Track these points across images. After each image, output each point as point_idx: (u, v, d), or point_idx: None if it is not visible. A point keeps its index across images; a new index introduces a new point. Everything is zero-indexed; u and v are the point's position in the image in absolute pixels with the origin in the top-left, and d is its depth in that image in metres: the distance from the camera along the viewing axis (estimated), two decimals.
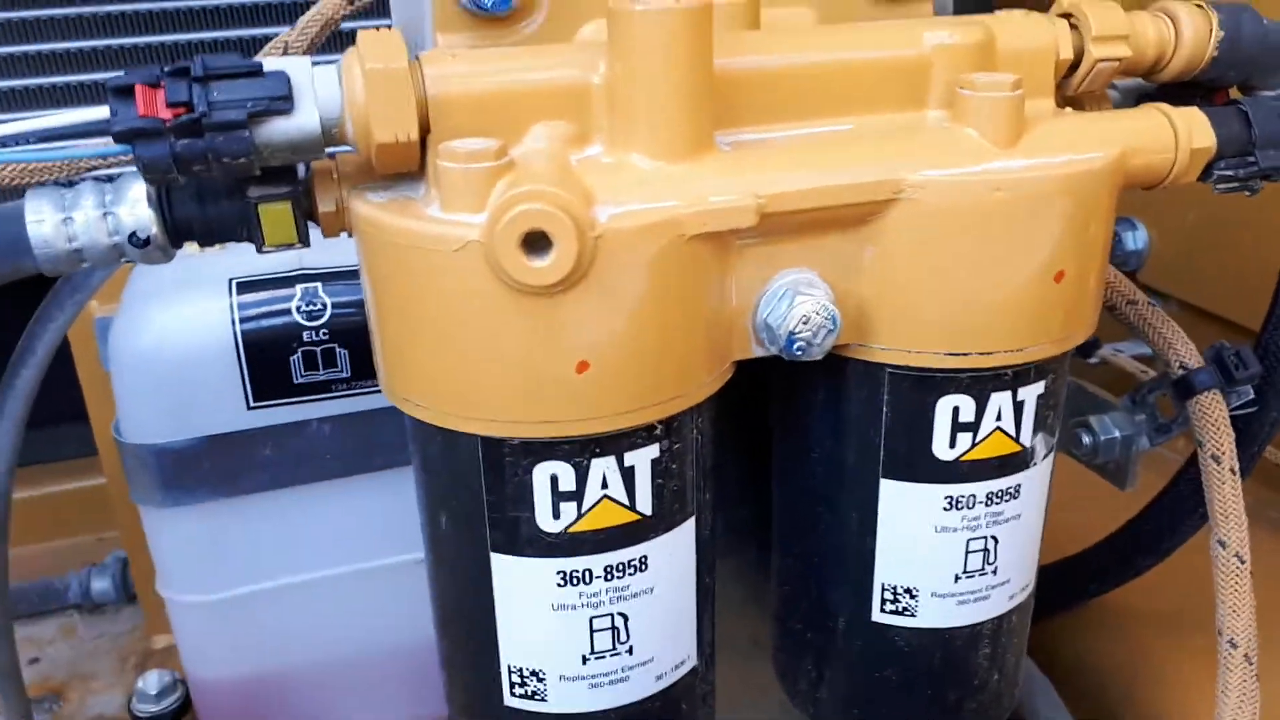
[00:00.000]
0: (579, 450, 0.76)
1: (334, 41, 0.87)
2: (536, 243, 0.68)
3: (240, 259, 1.09)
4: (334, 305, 1.08)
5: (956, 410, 0.83)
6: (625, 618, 0.82)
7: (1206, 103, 0.89)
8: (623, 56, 0.73)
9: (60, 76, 1.40)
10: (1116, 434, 1.09)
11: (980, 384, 0.83)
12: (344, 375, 1.09)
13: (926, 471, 0.86)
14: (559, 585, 0.80)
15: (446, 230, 0.70)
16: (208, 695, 1.27)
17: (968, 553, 0.88)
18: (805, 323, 0.76)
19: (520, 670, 0.84)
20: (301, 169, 0.76)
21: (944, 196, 0.77)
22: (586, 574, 0.80)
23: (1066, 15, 0.85)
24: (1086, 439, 1.09)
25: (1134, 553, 1.24)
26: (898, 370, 0.83)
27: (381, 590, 1.20)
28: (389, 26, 0.77)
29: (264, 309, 1.07)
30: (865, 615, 0.92)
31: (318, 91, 0.70)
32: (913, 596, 0.90)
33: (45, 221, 0.73)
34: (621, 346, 0.73)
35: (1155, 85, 0.93)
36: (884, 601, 0.91)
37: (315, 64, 0.72)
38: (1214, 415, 1.01)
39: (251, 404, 1.09)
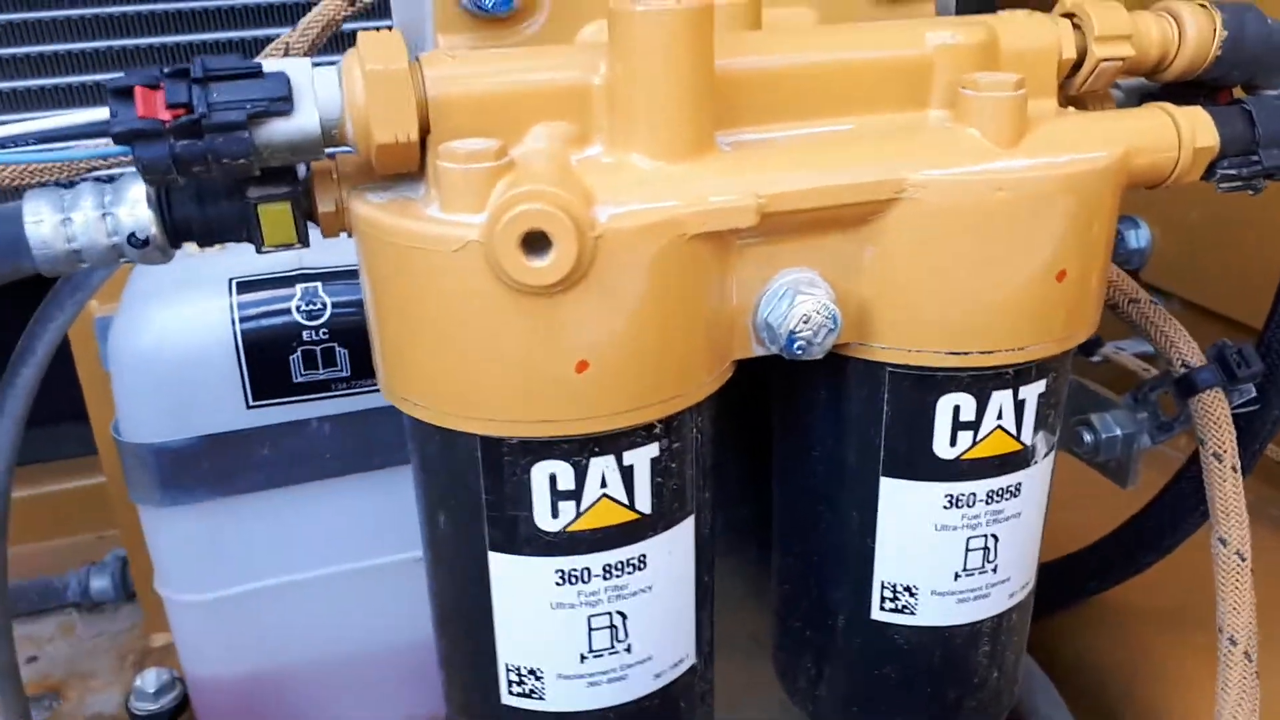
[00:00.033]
0: (578, 449, 0.76)
1: (335, 43, 0.87)
2: (536, 243, 0.68)
3: (240, 259, 1.08)
4: (334, 305, 1.08)
5: (957, 409, 0.83)
6: (624, 616, 0.82)
7: (1210, 102, 0.89)
8: (623, 57, 0.72)
9: (61, 78, 1.40)
10: (1118, 432, 1.09)
11: (981, 383, 0.83)
12: (344, 375, 1.09)
13: (927, 470, 0.86)
14: (557, 584, 0.80)
15: (446, 230, 0.70)
16: (206, 693, 1.27)
17: (968, 551, 0.88)
18: (806, 322, 0.76)
19: (518, 669, 0.84)
20: (301, 169, 0.76)
21: (946, 196, 0.77)
22: (585, 573, 0.80)
23: (1069, 15, 0.85)
24: (1088, 437, 1.09)
25: (1135, 550, 1.24)
26: (898, 369, 0.83)
27: (380, 589, 1.20)
28: (390, 28, 0.77)
29: (264, 308, 1.07)
30: (865, 613, 0.92)
31: (318, 92, 0.70)
32: (912, 595, 0.90)
33: (44, 222, 0.73)
34: (621, 346, 0.73)
35: (1158, 85, 0.92)
36: (884, 599, 0.91)
37: (315, 65, 0.72)
38: (1216, 413, 1.01)
39: (251, 403, 1.09)
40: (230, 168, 0.69)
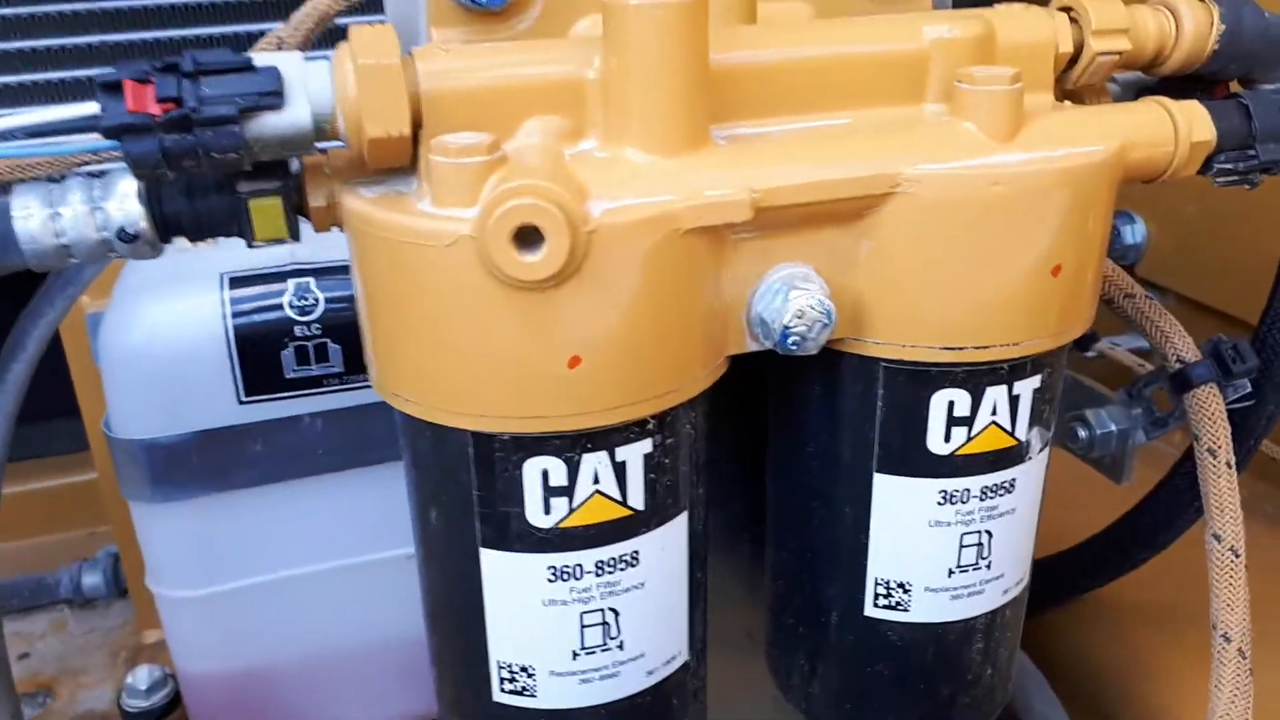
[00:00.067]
0: (570, 445, 0.76)
1: (329, 37, 0.87)
2: (528, 237, 0.67)
3: (232, 254, 1.08)
4: (326, 300, 1.07)
5: (951, 404, 0.83)
6: (616, 613, 0.82)
7: (1207, 96, 0.89)
8: (617, 51, 0.72)
9: (52, 73, 1.40)
10: (1113, 428, 1.09)
11: (975, 378, 0.83)
12: (336, 370, 1.09)
13: (921, 466, 0.85)
14: (549, 580, 0.80)
15: (438, 225, 0.69)
16: (198, 690, 1.26)
17: (961, 547, 0.88)
18: (800, 317, 0.76)
19: (510, 666, 0.84)
20: (294, 163, 0.76)
21: (941, 190, 0.76)
22: (577, 569, 0.80)
23: (1066, 9, 0.85)
24: (1082, 433, 1.09)
25: (1129, 546, 1.23)
26: (893, 364, 0.82)
27: (372, 586, 1.20)
28: (383, 22, 0.77)
29: (256, 304, 1.06)
30: (858, 610, 0.92)
31: (309, 86, 0.70)
32: (906, 591, 0.90)
33: (33, 217, 0.73)
34: (614, 341, 0.73)
35: (1155, 79, 0.92)
36: (877, 596, 0.91)
37: (307, 59, 0.71)
38: (1210, 409, 1.01)
39: (243, 399, 1.08)
40: (220, 162, 0.69)
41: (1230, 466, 1.01)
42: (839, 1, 0.87)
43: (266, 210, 0.74)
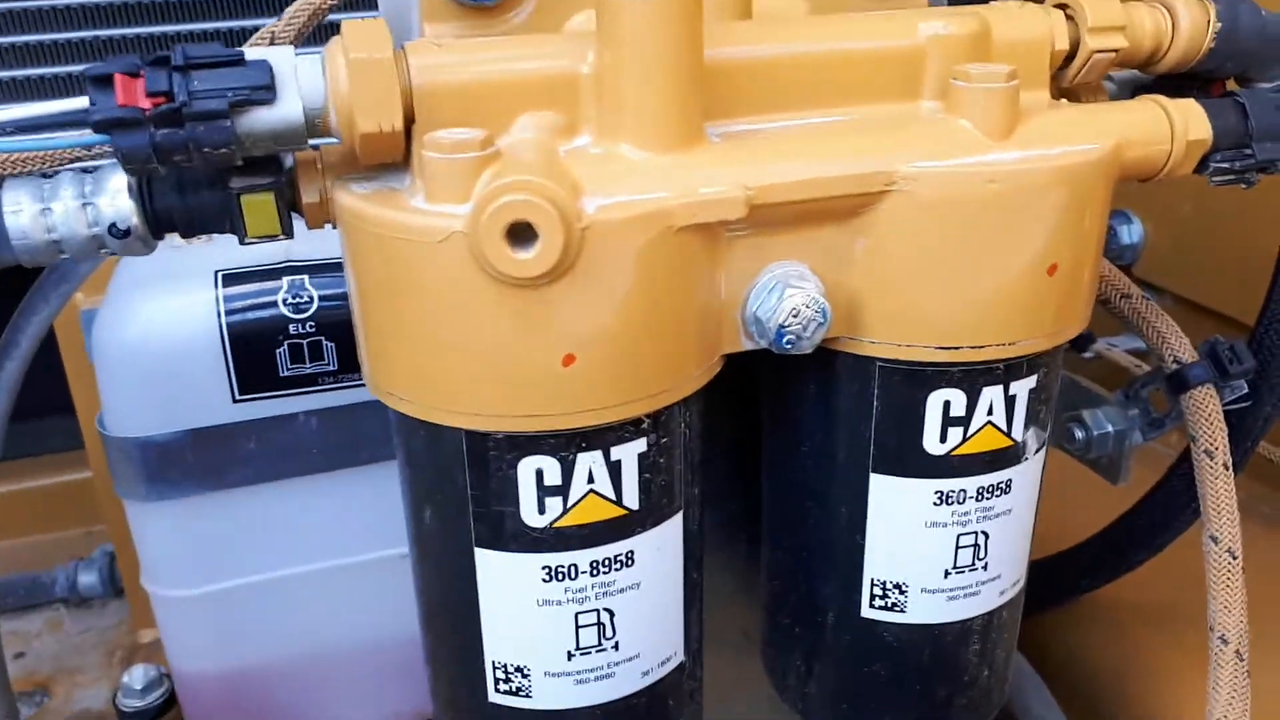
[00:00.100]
0: (564, 444, 0.76)
1: (321, 33, 0.86)
2: (521, 234, 0.67)
3: (227, 251, 1.08)
4: (321, 298, 1.07)
5: (947, 404, 0.83)
6: (611, 613, 0.82)
7: (1203, 95, 0.88)
8: (611, 46, 0.72)
9: (45, 68, 1.39)
10: (1109, 428, 1.08)
11: (971, 378, 0.82)
12: (330, 368, 1.08)
13: (917, 466, 0.85)
14: (544, 580, 0.80)
15: (430, 221, 0.69)
16: (193, 689, 1.26)
17: (958, 548, 0.88)
18: (795, 316, 0.75)
19: (505, 666, 0.84)
20: (288, 159, 0.75)
21: (937, 188, 0.76)
22: (572, 569, 0.79)
23: (1062, 6, 0.85)
24: (1079, 433, 1.09)
25: (1126, 547, 1.23)
26: (888, 364, 0.82)
27: (367, 585, 1.19)
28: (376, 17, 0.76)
29: (250, 301, 1.06)
30: (854, 610, 0.92)
31: (301, 81, 0.70)
32: (902, 592, 0.89)
33: (23, 212, 0.73)
34: (608, 339, 0.73)
35: (1152, 77, 0.92)
36: (873, 597, 0.90)
37: (299, 54, 0.71)
38: (1207, 410, 1.00)
39: (237, 397, 1.08)
40: (212, 157, 0.68)
41: (1227, 468, 1.00)
42: None
43: (259, 206, 0.74)
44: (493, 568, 0.80)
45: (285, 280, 1.07)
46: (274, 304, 1.06)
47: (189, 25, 1.43)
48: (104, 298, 1.09)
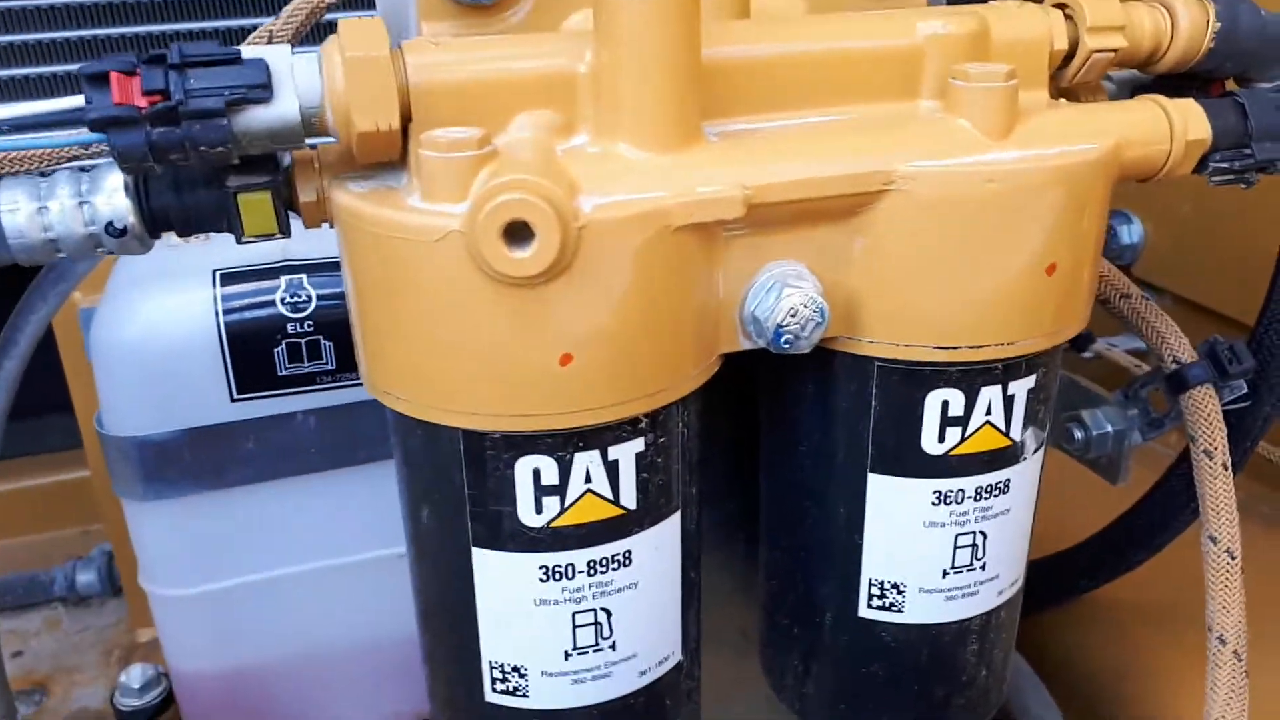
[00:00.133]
0: (562, 444, 0.75)
1: (319, 32, 0.86)
2: (518, 233, 0.67)
3: (224, 250, 1.08)
4: (319, 297, 1.07)
5: (946, 404, 0.83)
6: (608, 613, 0.82)
7: (1203, 94, 0.88)
8: (609, 45, 0.72)
9: (43, 67, 1.39)
10: (1109, 428, 1.08)
11: (970, 378, 0.82)
12: (328, 367, 1.08)
13: (915, 466, 0.85)
14: (541, 580, 0.79)
15: (427, 220, 0.69)
16: (191, 689, 1.26)
17: (956, 548, 0.88)
18: (793, 315, 0.75)
19: (502, 666, 0.83)
20: (285, 158, 0.75)
21: (935, 188, 0.76)
22: (569, 569, 0.79)
23: (1061, 5, 0.85)
24: (1078, 433, 1.09)
25: (1125, 547, 1.23)
26: (887, 363, 0.82)
27: (365, 584, 1.19)
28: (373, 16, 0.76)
29: (248, 300, 1.06)
30: (852, 610, 0.91)
31: (297, 80, 0.70)
32: (900, 592, 0.89)
33: (20, 211, 0.73)
34: (606, 339, 0.72)
35: (1151, 76, 0.92)
36: (871, 597, 0.90)
37: (295, 52, 0.71)
38: (1206, 410, 1.00)
39: (235, 396, 1.08)
40: (208, 156, 0.68)
41: (1226, 468, 1.00)
42: None
43: (256, 205, 0.74)
44: (490, 567, 0.80)
45: (283, 279, 1.07)
46: (272, 303, 1.06)
47: (187, 24, 1.43)
48: (102, 296, 1.09)
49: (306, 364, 1.08)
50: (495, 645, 0.83)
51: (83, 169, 0.75)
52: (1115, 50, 0.84)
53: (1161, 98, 0.85)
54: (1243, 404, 1.04)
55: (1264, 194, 0.99)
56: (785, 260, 0.77)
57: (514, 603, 0.81)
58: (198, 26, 1.43)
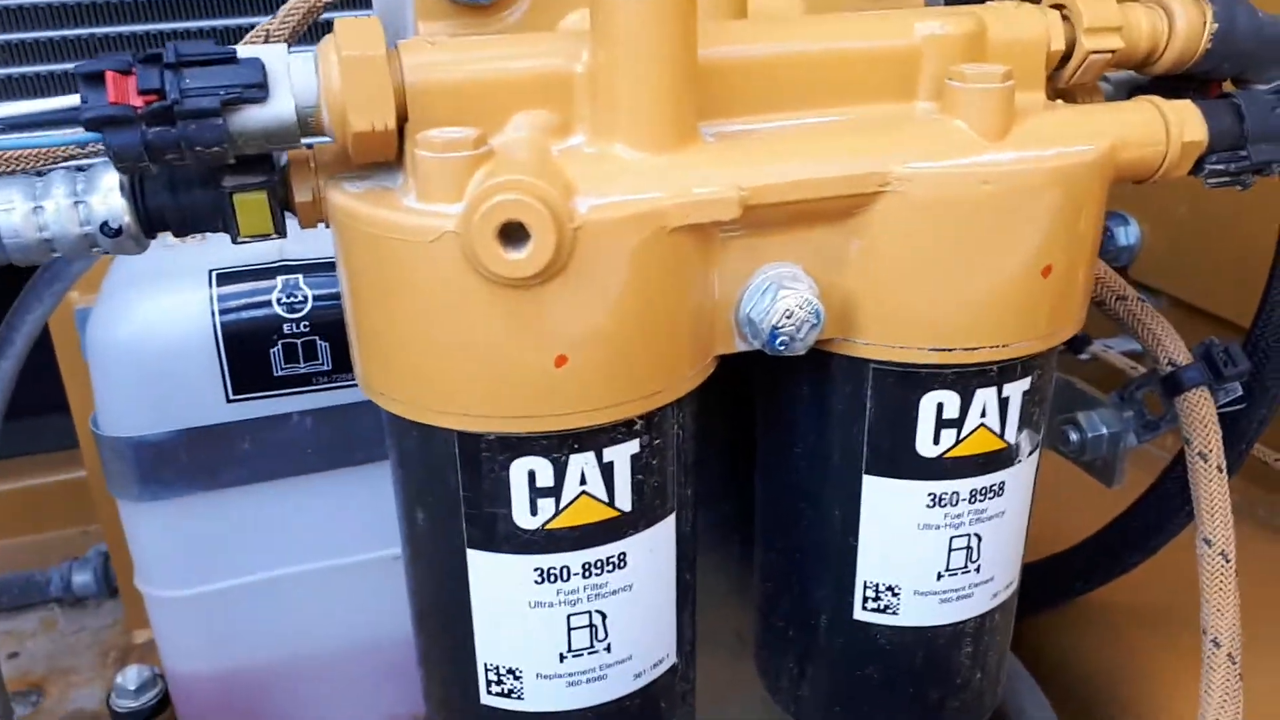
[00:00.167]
0: (557, 446, 0.75)
1: (316, 31, 0.86)
2: (514, 234, 0.67)
3: (221, 250, 1.08)
4: (315, 297, 1.07)
5: (941, 406, 0.83)
6: (603, 615, 0.82)
7: (1200, 96, 0.88)
8: (605, 45, 0.72)
9: (40, 66, 1.39)
10: (1104, 431, 1.08)
11: (965, 380, 0.82)
12: (325, 368, 1.08)
13: (910, 468, 0.85)
14: (536, 582, 0.79)
15: (422, 221, 0.69)
16: (187, 690, 1.26)
17: (950, 550, 0.87)
18: (788, 317, 0.75)
19: (497, 668, 0.83)
20: (281, 158, 0.75)
21: (931, 189, 0.76)
22: (564, 571, 0.79)
23: (1059, 6, 0.85)
24: (1074, 436, 1.09)
25: (1120, 550, 1.23)
26: (882, 365, 0.82)
27: (361, 586, 1.19)
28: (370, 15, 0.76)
29: (244, 300, 1.06)
30: (847, 613, 0.91)
31: (293, 79, 0.70)
32: (895, 594, 0.89)
33: (15, 210, 0.72)
34: (601, 340, 0.72)
35: (1148, 78, 0.92)
36: (866, 599, 0.90)
37: (292, 52, 0.71)
38: (1201, 412, 1.00)
39: (231, 397, 1.08)
40: (204, 155, 0.68)
41: (1221, 470, 1.00)
42: None
43: (251, 205, 0.74)
44: (485, 569, 0.80)
45: (279, 279, 1.07)
46: (268, 303, 1.06)
47: (184, 23, 1.43)
48: (98, 296, 1.08)
49: (303, 364, 1.08)
50: (490, 647, 0.83)
51: (79, 168, 0.75)
52: (1112, 51, 0.84)
53: (1158, 99, 0.85)
54: (1238, 406, 1.04)
55: (1261, 196, 0.99)
56: (781, 262, 0.77)
57: (509, 605, 0.81)
58: (195, 25, 1.43)
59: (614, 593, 0.81)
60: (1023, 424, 0.85)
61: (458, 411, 0.74)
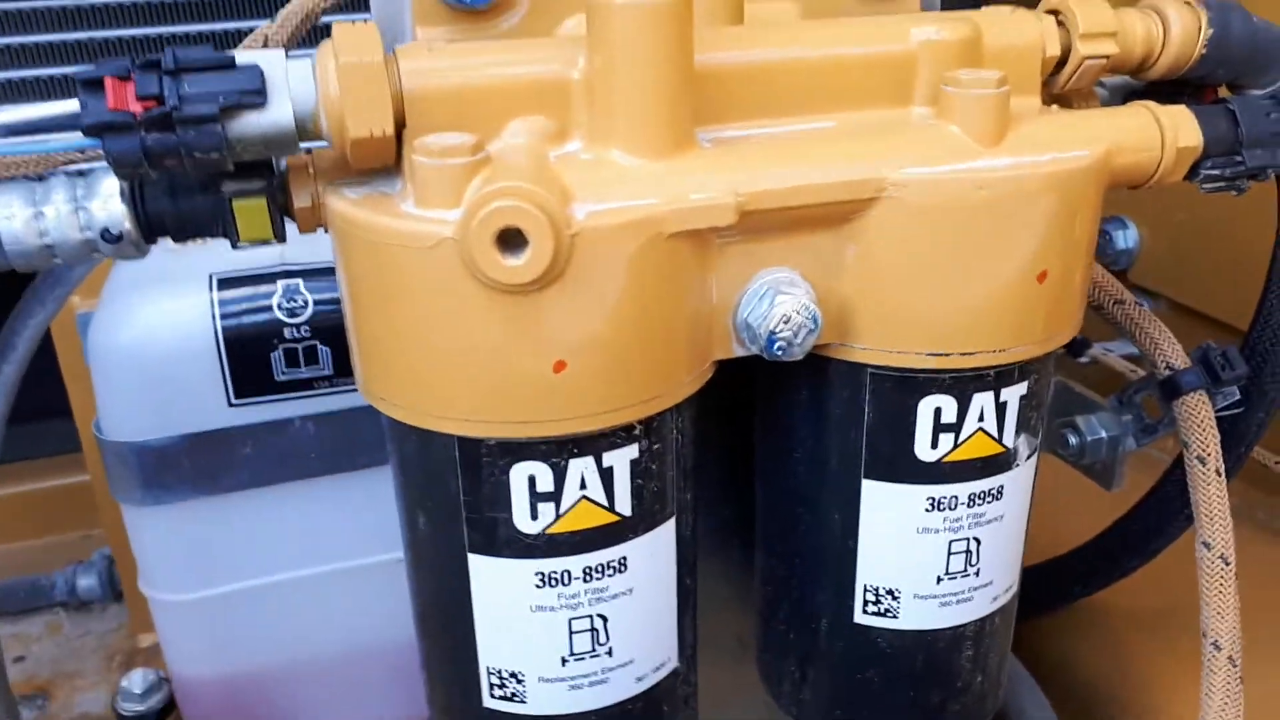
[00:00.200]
0: (557, 450, 0.76)
1: (315, 35, 0.87)
2: (511, 240, 0.67)
3: (222, 254, 1.08)
4: (315, 302, 1.07)
5: (938, 411, 0.83)
6: (605, 619, 0.82)
7: (1195, 101, 0.88)
8: (602, 51, 0.72)
9: (37, 70, 1.39)
10: (1103, 434, 1.08)
11: (962, 384, 0.82)
12: (326, 373, 1.09)
13: (908, 472, 0.85)
14: (537, 586, 0.80)
15: (420, 227, 0.69)
16: (191, 694, 1.26)
17: (950, 554, 0.88)
18: (786, 322, 0.75)
19: (499, 672, 0.83)
20: (281, 163, 0.75)
21: (927, 195, 0.76)
22: (565, 575, 0.79)
23: (1054, 12, 0.85)
24: (1073, 439, 1.09)
25: (1120, 554, 1.23)
26: (879, 370, 0.82)
27: (364, 589, 1.19)
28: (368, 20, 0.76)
29: (245, 305, 1.06)
30: (847, 616, 0.91)
31: (291, 85, 0.70)
32: (895, 598, 0.89)
33: (15, 217, 0.73)
34: (599, 346, 0.72)
35: (1143, 83, 0.92)
36: (866, 603, 0.90)
37: (290, 57, 0.71)
38: (1199, 416, 1.00)
39: (232, 401, 1.08)
40: (203, 161, 0.68)
41: (1220, 474, 1.00)
42: (826, 2, 0.87)
43: (251, 211, 0.74)
44: (486, 574, 0.80)
45: (280, 284, 1.07)
46: (269, 308, 1.06)
47: (183, 27, 1.43)
48: (100, 301, 1.09)
49: (304, 369, 1.08)
50: (492, 651, 0.83)
51: (80, 173, 0.75)
52: (1107, 57, 0.84)
53: (1153, 104, 0.85)
54: (1236, 410, 1.04)
55: (1260, 199, 0.99)
56: (778, 267, 0.78)
57: (510, 609, 0.81)
58: (194, 29, 1.43)
59: (615, 596, 0.82)
60: (1020, 428, 0.86)
61: (457, 417, 0.74)
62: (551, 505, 0.77)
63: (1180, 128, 0.83)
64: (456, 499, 0.78)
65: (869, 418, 0.84)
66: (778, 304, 0.76)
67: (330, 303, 1.07)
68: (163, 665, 1.30)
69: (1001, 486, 0.87)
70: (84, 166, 0.76)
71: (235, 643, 1.22)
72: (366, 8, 0.86)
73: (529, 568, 0.79)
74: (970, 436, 0.84)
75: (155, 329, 1.05)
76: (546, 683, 0.83)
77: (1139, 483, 1.16)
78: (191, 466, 1.10)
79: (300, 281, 1.07)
